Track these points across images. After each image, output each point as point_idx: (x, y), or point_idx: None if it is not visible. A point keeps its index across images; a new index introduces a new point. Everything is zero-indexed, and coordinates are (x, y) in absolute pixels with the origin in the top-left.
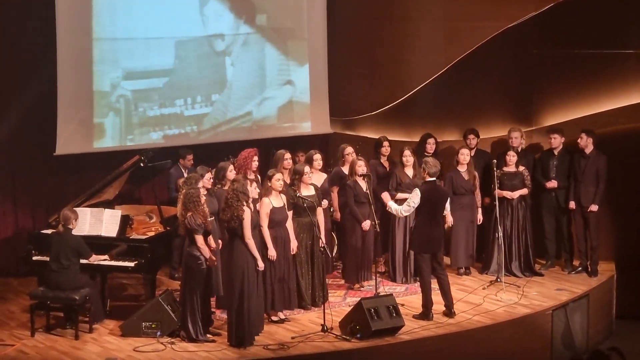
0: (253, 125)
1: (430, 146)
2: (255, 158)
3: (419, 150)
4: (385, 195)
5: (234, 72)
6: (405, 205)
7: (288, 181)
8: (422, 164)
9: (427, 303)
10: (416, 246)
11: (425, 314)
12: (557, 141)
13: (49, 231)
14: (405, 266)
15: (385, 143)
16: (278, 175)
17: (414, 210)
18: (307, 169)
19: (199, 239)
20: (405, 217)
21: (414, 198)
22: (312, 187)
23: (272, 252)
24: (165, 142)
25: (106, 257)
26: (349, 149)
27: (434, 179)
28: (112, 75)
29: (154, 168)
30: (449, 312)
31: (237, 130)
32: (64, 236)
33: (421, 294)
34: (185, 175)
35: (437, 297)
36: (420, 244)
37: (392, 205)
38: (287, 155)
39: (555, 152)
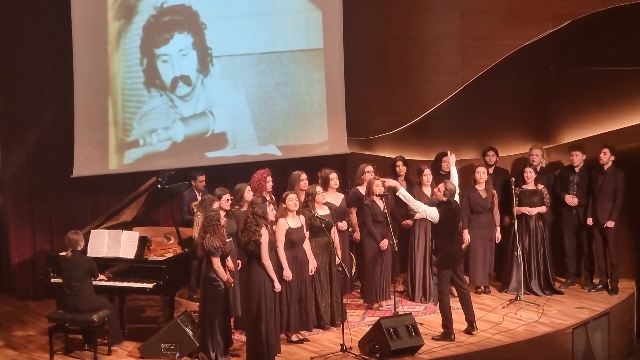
0: None
1: (446, 164)
2: (269, 179)
3: (434, 169)
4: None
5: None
6: (433, 212)
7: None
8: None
9: (447, 322)
10: (439, 264)
11: (447, 334)
12: (579, 158)
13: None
14: (424, 285)
15: (399, 163)
16: (292, 196)
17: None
18: (318, 189)
19: (216, 261)
20: (425, 237)
21: (433, 214)
22: (326, 207)
23: (287, 273)
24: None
25: (103, 277)
26: (368, 168)
27: (447, 199)
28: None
29: (171, 190)
30: (471, 326)
31: None
32: (74, 259)
33: (440, 314)
34: (199, 197)
35: (456, 315)
36: (442, 262)
37: (418, 204)
38: (303, 176)
39: (576, 169)
